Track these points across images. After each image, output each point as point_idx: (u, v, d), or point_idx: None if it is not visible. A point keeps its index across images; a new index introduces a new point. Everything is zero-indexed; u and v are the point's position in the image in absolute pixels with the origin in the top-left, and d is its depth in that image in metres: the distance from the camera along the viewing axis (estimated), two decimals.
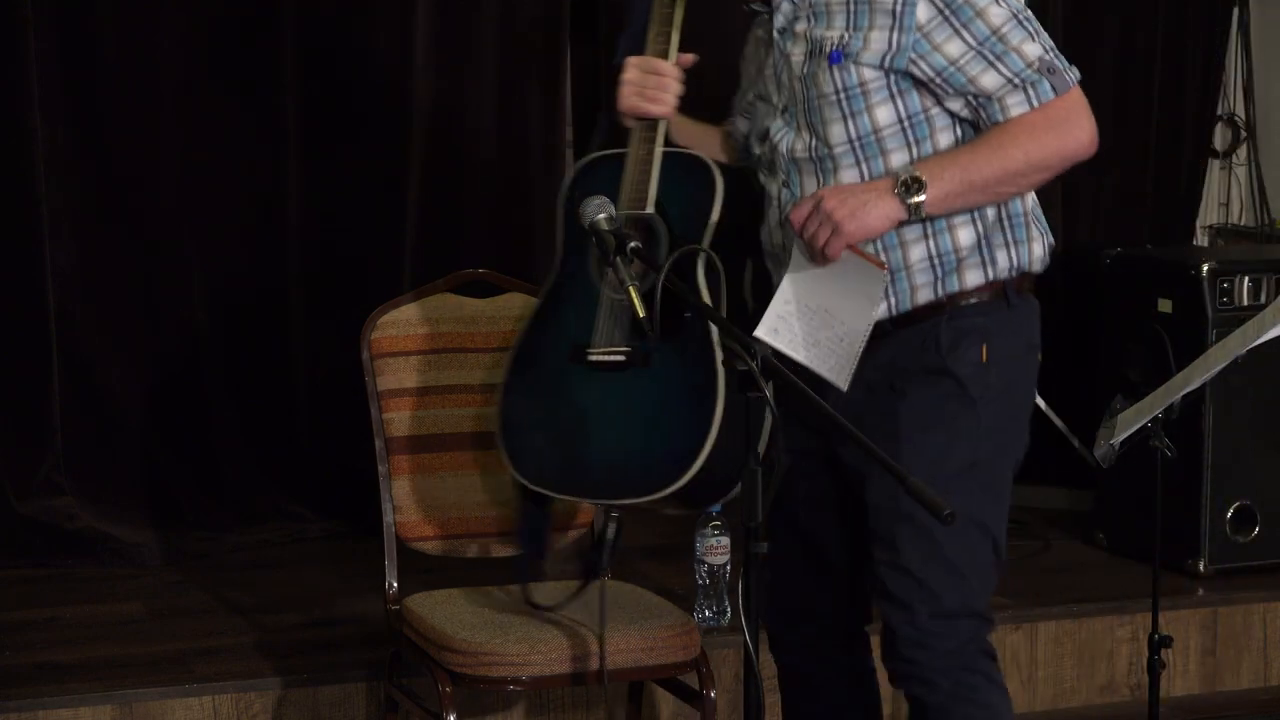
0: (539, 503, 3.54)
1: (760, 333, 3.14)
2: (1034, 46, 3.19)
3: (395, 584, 3.76)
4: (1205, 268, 4.95)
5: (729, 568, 4.32)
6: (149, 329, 5.04)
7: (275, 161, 5.07)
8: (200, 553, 4.98)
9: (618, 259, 3.21)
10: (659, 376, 3.30)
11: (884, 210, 3.14)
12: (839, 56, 3.19)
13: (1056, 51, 3.21)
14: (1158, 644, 3.97)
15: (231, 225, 5.07)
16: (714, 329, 3.22)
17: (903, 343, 3.24)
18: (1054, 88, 3.19)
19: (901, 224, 3.17)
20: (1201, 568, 4.96)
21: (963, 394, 3.24)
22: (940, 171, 3.14)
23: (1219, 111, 6.10)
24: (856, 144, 3.22)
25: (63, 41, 4.87)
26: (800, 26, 3.26)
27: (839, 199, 3.12)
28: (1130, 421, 3.87)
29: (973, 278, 3.25)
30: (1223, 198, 6.19)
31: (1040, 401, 5.47)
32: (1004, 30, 3.18)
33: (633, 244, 3.24)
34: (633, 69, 3.34)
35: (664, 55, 3.34)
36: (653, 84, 3.32)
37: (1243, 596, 4.84)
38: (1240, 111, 6.12)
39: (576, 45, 5.40)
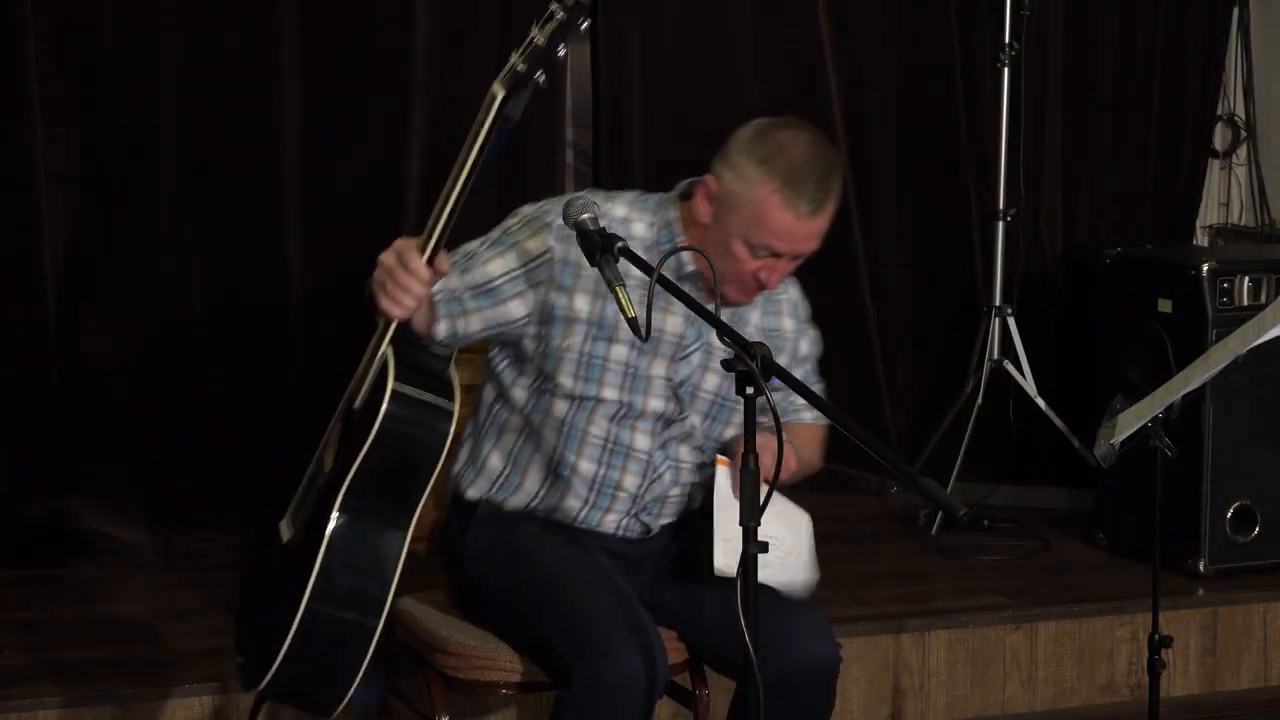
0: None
1: (722, 569, 3.32)
2: None
3: None
4: (1205, 268, 4.95)
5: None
6: (149, 329, 5.04)
7: (275, 161, 5.07)
8: (200, 553, 4.97)
9: (604, 258, 3.22)
10: (294, 578, 3.31)
11: None
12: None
13: None
14: (1158, 644, 3.97)
15: (231, 225, 5.07)
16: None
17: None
18: None
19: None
20: (1201, 568, 4.96)
21: None
22: None
23: (1219, 111, 6.11)
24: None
25: (63, 41, 4.87)
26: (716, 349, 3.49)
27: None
28: (1130, 421, 3.87)
29: None
30: (1223, 198, 6.19)
31: (1040, 401, 5.48)
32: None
33: (620, 244, 3.24)
34: (391, 253, 3.23)
35: (423, 249, 3.21)
36: (399, 279, 3.19)
37: (1243, 596, 4.84)
38: (1240, 111, 6.12)
39: (576, 45, 5.40)
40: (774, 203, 3.33)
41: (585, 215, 3.29)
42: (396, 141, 5.15)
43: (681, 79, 5.46)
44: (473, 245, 3.51)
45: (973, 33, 5.73)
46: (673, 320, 3.46)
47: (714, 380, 3.50)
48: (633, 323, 3.21)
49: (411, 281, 3.18)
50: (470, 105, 5.53)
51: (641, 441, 3.49)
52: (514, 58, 3.11)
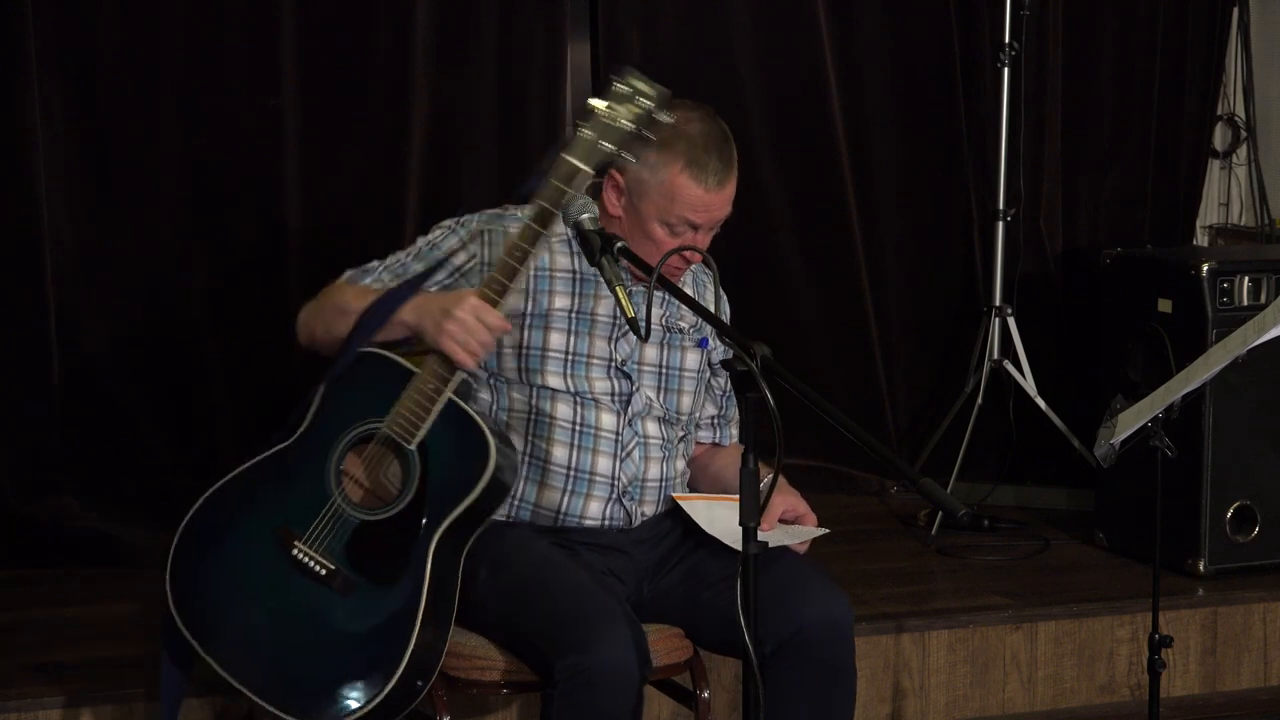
0: (184, 666, 3.60)
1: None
2: None
3: None
4: (1205, 268, 4.94)
5: None
6: (149, 328, 5.04)
7: (275, 161, 5.07)
8: None
9: (604, 258, 3.24)
10: (356, 610, 3.34)
11: None
12: (706, 342, 3.69)
13: None
14: (1158, 644, 3.97)
15: (232, 225, 5.07)
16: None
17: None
18: None
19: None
20: (1201, 568, 4.96)
21: None
22: None
23: (1219, 111, 6.10)
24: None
25: (63, 41, 4.87)
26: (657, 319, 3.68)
27: None
28: (1130, 421, 3.88)
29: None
30: (1223, 198, 6.19)
31: (1040, 401, 5.48)
32: None
33: (620, 244, 3.26)
34: (468, 310, 3.33)
35: (496, 304, 3.32)
36: (478, 335, 3.33)
37: (1243, 596, 4.84)
38: (1240, 111, 6.12)
39: (576, 45, 5.41)
40: (682, 182, 3.49)
41: (585, 215, 3.32)
42: (396, 141, 5.15)
43: (681, 79, 5.44)
44: (401, 257, 3.62)
45: (973, 33, 5.73)
46: (604, 304, 3.58)
47: (652, 353, 3.64)
48: (632, 322, 3.26)
49: (490, 338, 3.35)
50: (470, 105, 5.55)
51: (607, 421, 3.58)
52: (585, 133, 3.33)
